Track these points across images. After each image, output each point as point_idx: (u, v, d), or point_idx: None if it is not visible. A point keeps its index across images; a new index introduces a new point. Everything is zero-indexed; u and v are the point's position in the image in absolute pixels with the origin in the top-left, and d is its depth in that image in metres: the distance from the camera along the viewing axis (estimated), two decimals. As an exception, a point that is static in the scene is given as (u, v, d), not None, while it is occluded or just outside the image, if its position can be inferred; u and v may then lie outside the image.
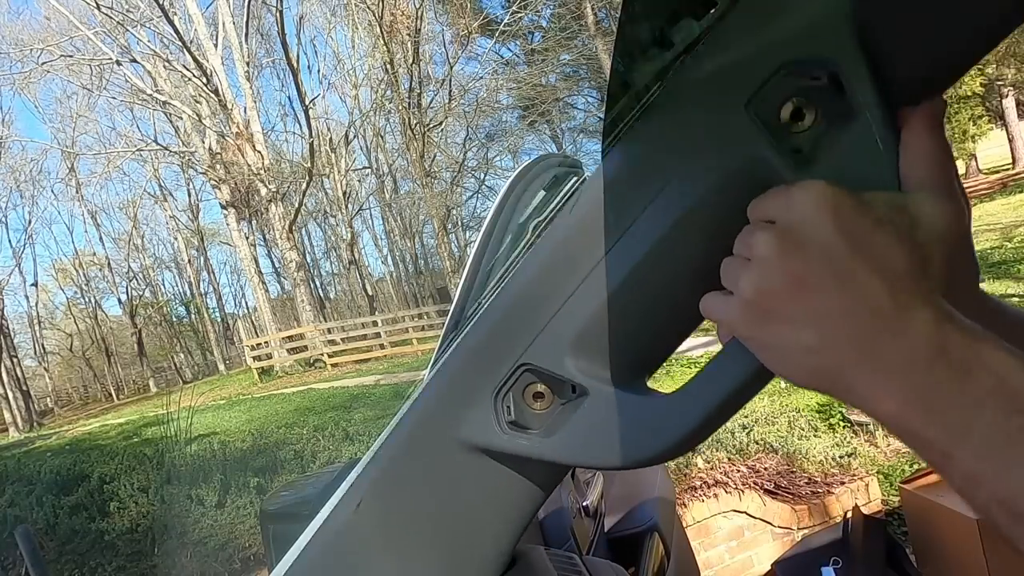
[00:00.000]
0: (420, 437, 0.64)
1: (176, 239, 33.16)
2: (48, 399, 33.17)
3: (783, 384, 6.89)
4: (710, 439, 4.44)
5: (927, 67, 0.45)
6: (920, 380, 0.36)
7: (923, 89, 0.45)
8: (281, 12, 20.13)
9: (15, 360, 26.58)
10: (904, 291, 0.38)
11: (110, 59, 22.40)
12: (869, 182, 0.42)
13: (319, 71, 27.86)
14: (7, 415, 22.87)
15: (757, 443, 4.38)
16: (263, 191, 19.92)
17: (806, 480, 4.03)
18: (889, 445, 4.73)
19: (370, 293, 27.67)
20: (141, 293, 35.52)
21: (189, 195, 32.00)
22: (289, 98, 27.21)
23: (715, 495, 3.74)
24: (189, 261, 33.06)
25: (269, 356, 18.94)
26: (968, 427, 0.35)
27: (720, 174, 0.48)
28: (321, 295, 31.75)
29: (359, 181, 29.27)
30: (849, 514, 3.68)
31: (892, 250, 0.38)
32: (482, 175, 28.13)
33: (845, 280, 0.38)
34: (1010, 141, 23.44)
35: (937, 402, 0.36)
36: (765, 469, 4.09)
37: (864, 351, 0.38)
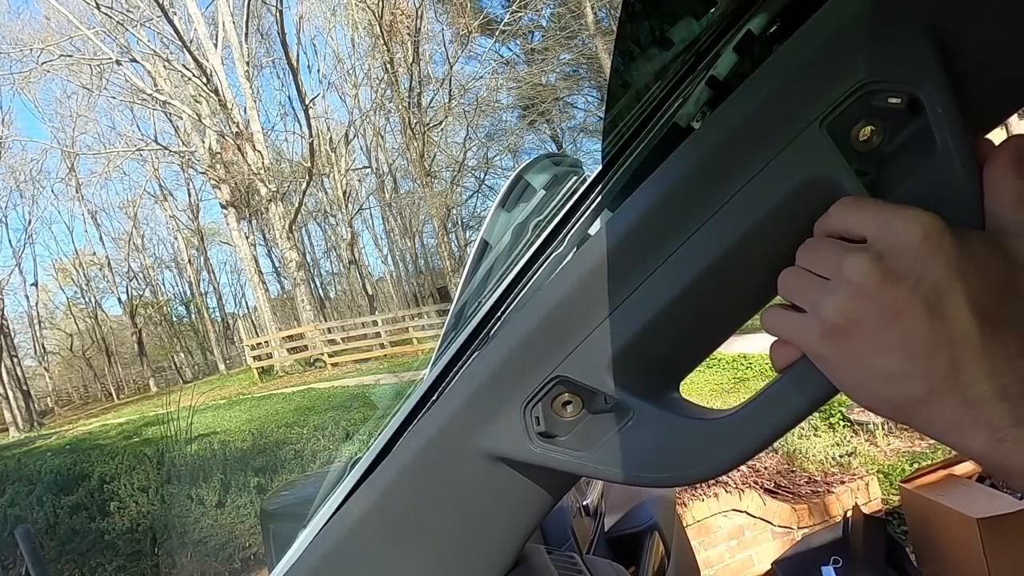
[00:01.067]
0: (439, 444, 0.63)
1: (176, 239, 33.15)
2: (48, 399, 33.16)
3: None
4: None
5: (1006, 93, 0.44)
6: (1008, 416, 0.36)
7: (993, 116, 0.44)
8: (281, 12, 20.14)
9: (15, 360, 26.58)
10: (998, 324, 0.37)
11: (110, 59, 22.40)
12: (947, 217, 0.40)
13: (319, 71, 27.86)
14: (7, 415, 22.87)
15: (757, 442, 4.38)
16: (263, 191, 19.93)
17: (806, 479, 4.03)
18: (889, 445, 4.73)
19: (370, 293, 27.66)
20: (141, 293, 35.51)
21: (189, 195, 31.99)
22: (289, 98, 27.16)
23: (715, 494, 3.74)
24: (189, 261, 33.05)
25: (269, 356, 18.95)
26: None
27: (788, 188, 0.47)
28: (321, 295, 31.75)
29: (359, 181, 29.27)
30: (849, 513, 3.68)
31: (987, 286, 0.38)
32: (482, 175, 28.14)
33: (939, 310, 0.38)
34: (1010, 140, 23.47)
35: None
36: (765, 468, 4.09)
37: (951, 383, 0.38)
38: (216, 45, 20.11)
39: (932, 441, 4.68)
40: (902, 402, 0.40)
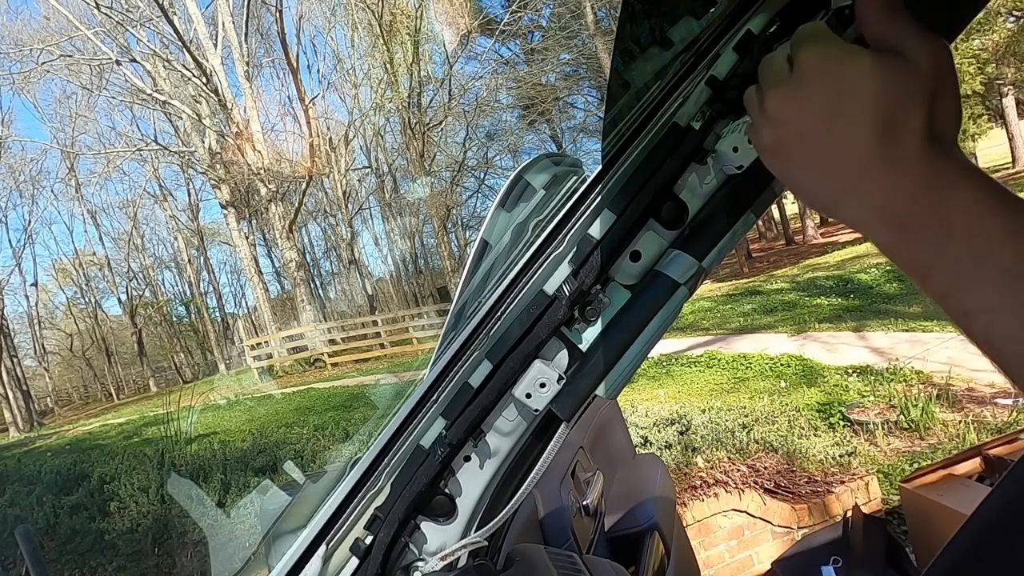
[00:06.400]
0: None
1: (176, 239, 33.12)
2: (48, 399, 33.14)
3: (783, 384, 6.85)
4: (710, 438, 4.43)
5: None
6: (906, 210, 0.42)
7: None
8: (281, 12, 20.13)
9: (15, 360, 26.56)
10: (888, 137, 0.43)
11: (110, 59, 22.39)
12: None
13: (319, 71, 27.86)
14: (7, 415, 22.86)
15: (757, 442, 4.37)
16: (263, 191, 19.92)
17: (806, 479, 4.03)
18: (889, 445, 4.73)
19: (370, 293, 27.65)
20: (141, 293, 35.49)
21: (189, 195, 31.97)
22: (289, 98, 27.14)
23: (715, 494, 3.73)
24: (189, 261, 33.02)
25: (269, 356, 18.94)
26: (943, 250, 0.41)
27: None
28: (321, 295, 31.74)
29: (359, 181, 29.25)
30: (849, 513, 3.68)
31: (876, 96, 0.43)
32: (482, 174, 28.13)
33: (835, 130, 0.44)
34: (1010, 140, 23.41)
35: (914, 235, 0.42)
36: (765, 468, 4.09)
37: (858, 183, 0.44)
38: (216, 45, 20.09)
39: (932, 441, 4.68)
40: (823, 201, 0.47)
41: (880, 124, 0.43)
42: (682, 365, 7.85)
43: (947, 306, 0.42)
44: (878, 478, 4.08)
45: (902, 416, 4.94)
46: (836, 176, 0.45)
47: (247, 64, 20.72)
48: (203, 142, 22.44)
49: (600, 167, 0.71)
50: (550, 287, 0.72)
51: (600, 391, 0.72)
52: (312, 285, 26.16)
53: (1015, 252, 0.39)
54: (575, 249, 0.70)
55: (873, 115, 0.43)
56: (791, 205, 25.74)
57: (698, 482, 3.86)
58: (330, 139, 24.78)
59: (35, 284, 33.12)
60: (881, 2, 0.46)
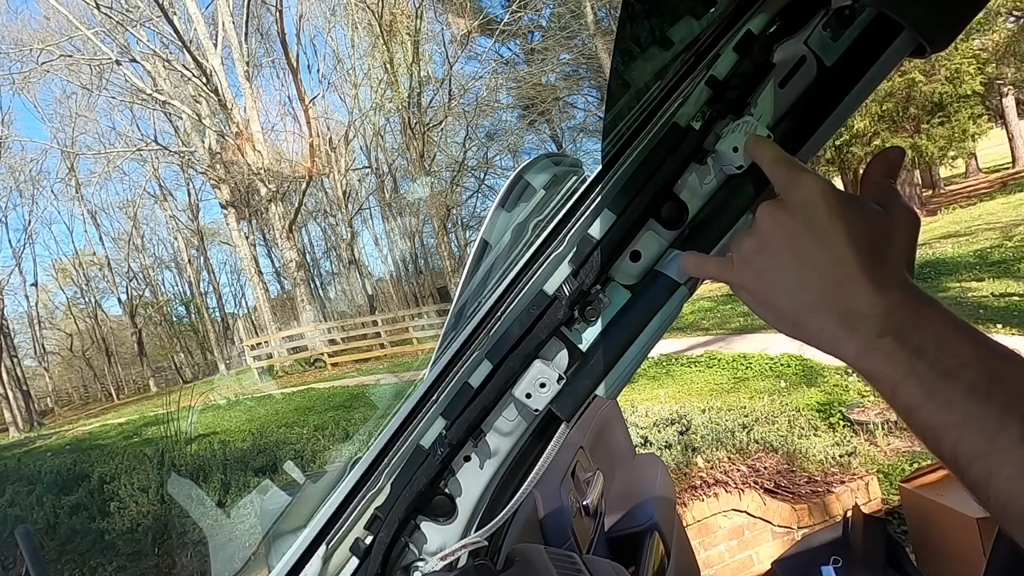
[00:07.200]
0: None
1: (176, 239, 33.13)
2: (48, 399, 33.15)
3: (783, 383, 6.83)
4: (710, 438, 4.43)
5: None
6: (881, 324, 0.45)
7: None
8: (281, 12, 20.14)
9: (15, 360, 26.56)
10: (874, 259, 0.47)
11: (110, 59, 22.39)
12: None
13: (319, 71, 27.86)
14: (7, 415, 22.86)
15: (757, 442, 4.37)
16: (263, 191, 19.93)
17: (806, 479, 4.03)
18: (889, 444, 4.73)
19: (370, 293, 27.65)
20: (141, 293, 35.50)
21: (189, 195, 31.96)
22: (289, 98, 27.14)
23: (715, 494, 3.73)
24: (189, 261, 33.02)
25: (269, 356, 18.94)
26: (912, 366, 0.43)
27: None
28: (321, 295, 31.74)
29: (359, 181, 29.26)
30: (849, 513, 3.68)
31: (866, 230, 0.48)
32: (482, 174, 28.13)
33: (826, 238, 0.48)
34: (1010, 140, 23.41)
35: (888, 348, 0.44)
36: (765, 468, 4.09)
37: (834, 295, 0.47)
38: (216, 45, 20.09)
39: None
40: (795, 312, 0.50)
41: (867, 243, 0.48)
42: (682, 365, 7.85)
43: (913, 421, 0.44)
44: (878, 478, 4.08)
45: (902, 416, 4.93)
46: (811, 286, 0.48)
47: (247, 64, 20.72)
48: (203, 142, 22.44)
49: (600, 167, 0.71)
50: (550, 287, 0.72)
51: (600, 391, 0.72)
52: (312, 285, 26.17)
53: (980, 371, 0.41)
54: (575, 249, 0.70)
55: (863, 235, 0.48)
56: (791, 205, 25.67)
57: (698, 482, 3.86)
58: (330, 139, 24.78)
59: (35, 284, 33.15)
60: (883, 169, 0.55)
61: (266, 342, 19.69)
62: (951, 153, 16.52)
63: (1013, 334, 6.03)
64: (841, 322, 0.47)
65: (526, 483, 0.78)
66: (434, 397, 0.77)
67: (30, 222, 31.62)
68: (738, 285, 0.55)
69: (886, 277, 0.47)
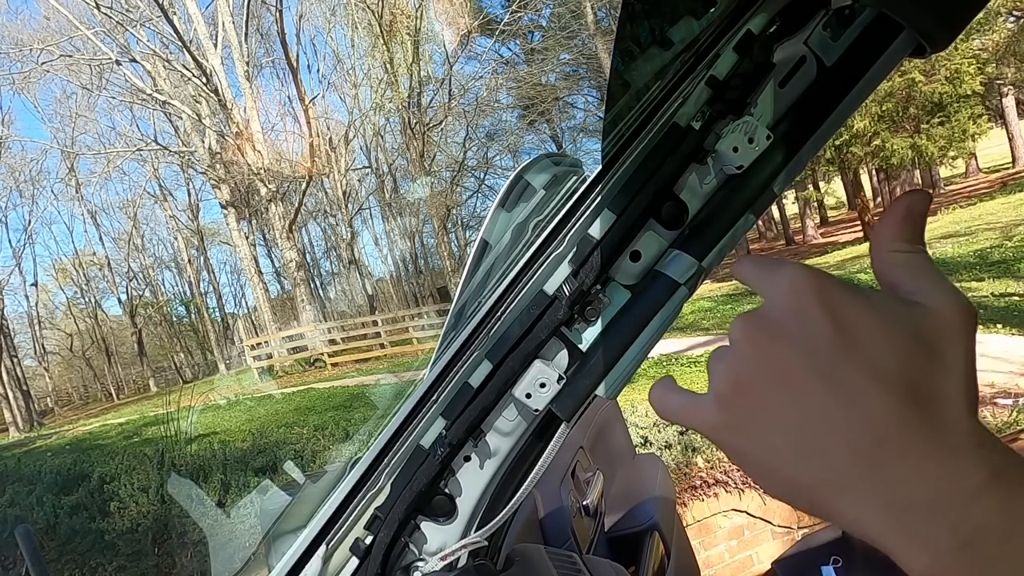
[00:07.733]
0: None
1: (176, 239, 33.12)
2: (48, 399, 33.15)
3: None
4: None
5: None
6: (949, 533, 0.27)
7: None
8: (281, 12, 20.13)
9: (15, 360, 26.55)
10: (918, 400, 0.29)
11: (110, 59, 22.39)
12: None
13: (319, 71, 27.87)
14: (7, 415, 22.86)
15: (757, 442, 4.38)
16: (263, 191, 19.92)
17: (806, 479, 4.03)
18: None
19: (370, 293, 27.65)
20: (141, 293, 35.50)
21: (189, 195, 31.95)
22: (289, 98, 27.15)
23: (715, 494, 3.74)
24: (189, 261, 33.02)
25: (269, 356, 18.94)
26: None
27: None
28: (321, 295, 31.74)
29: (359, 181, 29.26)
30: (849, 513, 3.68)
31: (891, 351, 0.30)
32: (482, 174, 28.14)
33: (836, 380, 0.30)
34: (1010, 140, 23.43)
35: (989, 550, 0.27)
36: (765, 468, 4.09)
37: (872, 481, 0.29)
38: (216, 45, 20.09)
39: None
40: (811, 489, 0.31)
41: (902, 375, 0.29)
42: (682, 365, 7.84)
43: None
44: (878, 478, 4.08)
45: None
46: (827, 452, 0.30)
47: (247, 64, 20.72)
48: (203, 142, 22.44)
49: (600, 167, 0.71)
50: (550, 287, 0.72)
51: (600, 391, 0.72)
52: (312, 285, 26.16)
53: None
54: (575, 249, 0.70)
55: (894, 360, 0.30)
56: (791, 205, 25.75)
57: (698, 482, 3.86)
58: (330, 139, 24.78)
59: (35, 284, 33.14)
60: (906, 229, 0.34)
61: (266, 342, 19.69)
62: (951, 153, 16.51)
63: (1013, 334, 6.03)
64: (892, 519, 0.28)
65: (526, 483, 0.78)
66: (434, 397, 0.77)
67: (30, 222, 31.65)
68: (718, 441, 0.35)
69: (944, 436, 0.29)
